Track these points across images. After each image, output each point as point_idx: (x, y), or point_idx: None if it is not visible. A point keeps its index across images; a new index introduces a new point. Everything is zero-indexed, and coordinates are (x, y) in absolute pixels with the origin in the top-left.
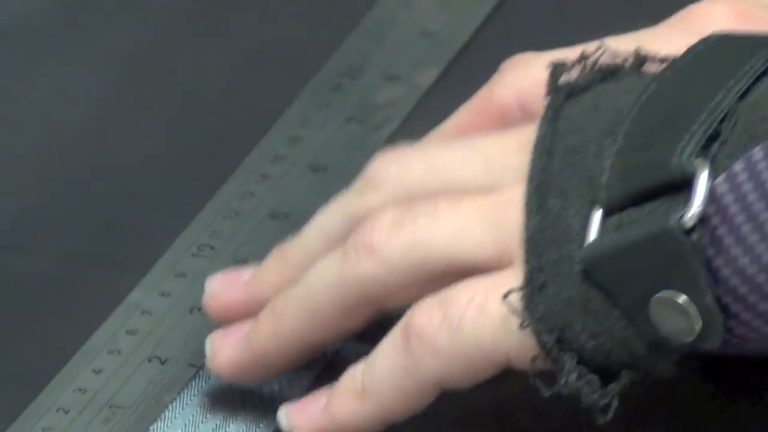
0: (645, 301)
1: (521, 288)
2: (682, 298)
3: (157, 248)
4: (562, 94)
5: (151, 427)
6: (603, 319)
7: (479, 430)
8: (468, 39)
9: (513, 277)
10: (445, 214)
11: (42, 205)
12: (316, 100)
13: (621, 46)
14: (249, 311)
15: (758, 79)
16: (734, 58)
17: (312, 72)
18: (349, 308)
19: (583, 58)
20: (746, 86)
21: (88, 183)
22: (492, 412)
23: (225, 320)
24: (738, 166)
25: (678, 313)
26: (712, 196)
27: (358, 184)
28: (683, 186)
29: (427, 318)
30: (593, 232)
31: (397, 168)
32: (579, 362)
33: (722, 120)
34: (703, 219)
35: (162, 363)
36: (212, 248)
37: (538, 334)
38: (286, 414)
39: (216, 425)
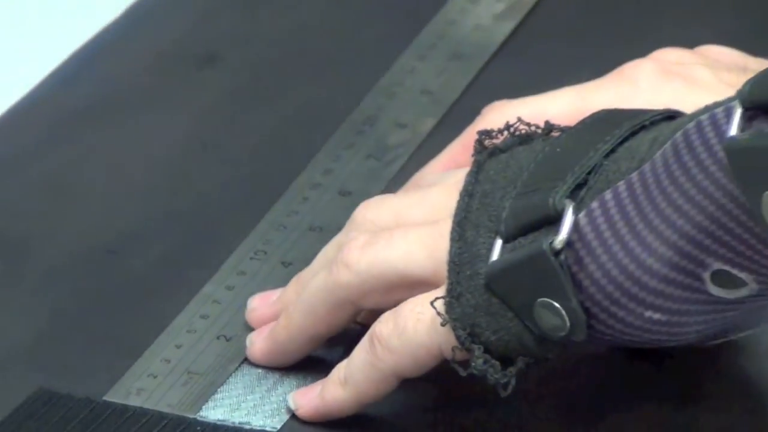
0: (530, 305)
1: (444, 297)
2: (555, 303)
3: (224, 253)
4: (486, 154)
5: (218, 389)
6: (501, 319)
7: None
8: (457, 97)
9: (441, 290)
10: (398, 241)
11: (139, 222)
12: (343, 142)
13: (566, 96)
14: (276, 319)
15: (622, 142)
16: (608, 127)
17: (340, 121)
18: (335, 307)
19: (507, 127)
20: (611, 147)
21: (174, 205)
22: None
23: (261, 326)
24: (594, 204)
25: (553, 315)
26: (575, 227)
27: (347, 224)
28: (556, 220)
29: (384, 326)
30: (495, 255)
31: (371, 213)
32: (485, 351)
33: (590, 172)
34: (569, 244)
35: (227, 340)
36: (265, 253)
37: (455, 330)
38: (292, 397)
39: (267, 388)
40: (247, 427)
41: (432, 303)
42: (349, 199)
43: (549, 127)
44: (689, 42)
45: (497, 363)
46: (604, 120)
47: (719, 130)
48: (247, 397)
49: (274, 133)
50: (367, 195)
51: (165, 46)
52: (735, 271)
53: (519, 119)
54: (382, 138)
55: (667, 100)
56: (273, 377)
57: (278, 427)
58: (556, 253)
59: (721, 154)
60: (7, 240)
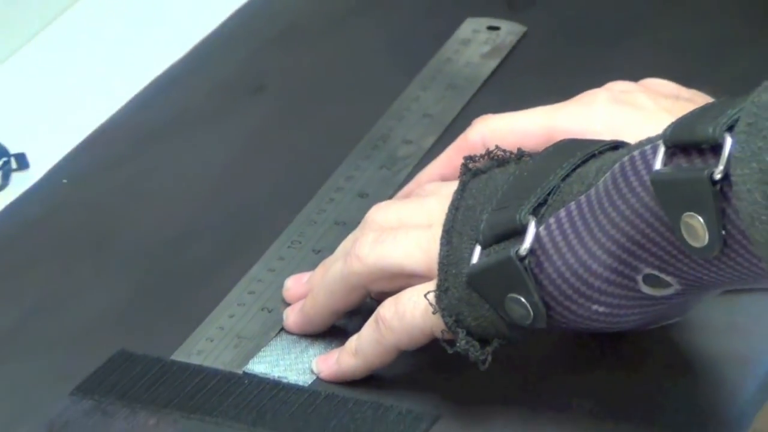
0: (502, 299)
1: (435, 291)
2: (522, 298)
3: (267, 243)
4: (470, 174)
5: (261, 350)
6: (480, 309)
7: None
8: (453, 119)
9: (433, 285)
10: (400, 241)
11: (200, 219)
12: (362, 155)
13: (537, 114)
14: (305, 297)
15: (575, 168)
16: (565, 155)
17: (360, 138)
18: (350, 290)
19: (487, 153)
20: (566, 173)
21: (227, 205)
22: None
23: (294, 302)
24: (551, 220)
25: (520, 307)
26: (537, 238)
27: (362, 223)
28: (522, 232)
29: (387, 311)
30: (474, 259)
31: (379, 216)
32: (467, 334)
33: (550, 193)
34: (531, 251)
35: (269, 312)
36: (299, 242)
37: (444, 317)
38: (315, 363)
39: (300, 350)
40: (284, 380)
41: (425, 295)
42: (366, 200)
43: (520, 153)
44: (636, 75)
45: (477, 343)
46: (563, 149)
47: (647, 163)
48: (284, 357)
49: (307, 148)
50: (381, 197)
51: (222, 77)
52: (662, 275)
53: (497, 146)
54: (393, 152)
55: (617, 122)
56: (305, 342)
57: (309, 382)
58: (521, 258)
59: (649, 183)
60: (97, 231)
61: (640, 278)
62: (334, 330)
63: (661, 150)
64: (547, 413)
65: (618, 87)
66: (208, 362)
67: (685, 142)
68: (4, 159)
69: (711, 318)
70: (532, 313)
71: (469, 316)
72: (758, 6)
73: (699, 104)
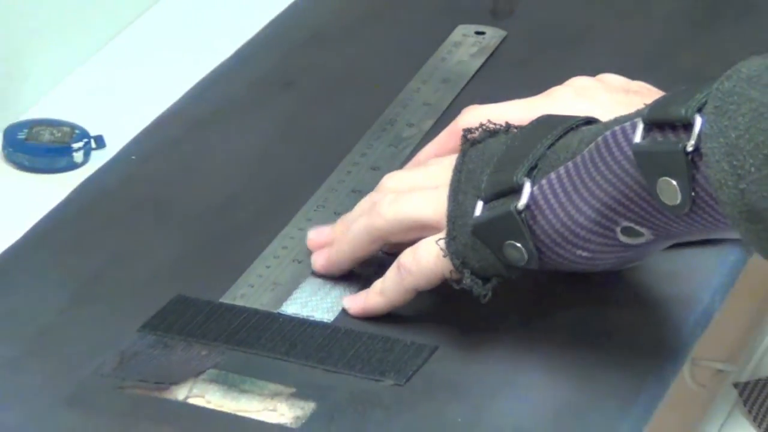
0: (501, 245)
1: (445, 238)
2: (518, 244)
3: (296, 207)
4: (469, 143)
5: (293, 293)
6: (482, 253)
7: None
8: (447, 106)
9: (443, 234)
10: (414, 199)
11: (242, 188)
12: (374, 136)
13: (517, 105)
14: (326, 245)
15: (558, 139)
16: (547, 128)
17: (372, 122)
18: (372, 240)
19: (481, 125)
20: (552, 142)
21: (263, 178)
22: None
23: (318, 249)
24: (543, 181)
25: (516, 251)
26: (531, 196)
27: (376, 188)
28: (519, 190)
29: (406, 258)
30: (477, 212)
31: (392, 182)
32: (472, 273)
33: (539, 159)
34: (527, 206)
35: (299, 263)
36: (323, 207)
37: (452, 260)
38: (346, 301)
39: (326, 292)
40: (312, 318)
41: (437, 242)
42: (378, 172)
43: (508, 126)
44: (594, 71)
45: (480, 281)
46: (544, 122)
47: (628, 137)
48: (311, 299)
49: (329, 132)
50: (390, 169)
51: (259, 75)
52: (638, 227)
53: (488, 120)
54: (399, 133)
55: (579, 111)
56: (329, 285)
57: (332, 320)
58: (519, 212)
59: (630, 152)
60: (159, 199)
61: (618, 229)
62: (351, 276)
63: (640, 126)
64: (525, 344)
65: (578, 83)
66: (249, 304)
67: (660, 120)
68: (86, 140)
69: (659, 266)
70: (526, 257)
71: (473, 258)
72: (698, 10)
73: (645, 95)
